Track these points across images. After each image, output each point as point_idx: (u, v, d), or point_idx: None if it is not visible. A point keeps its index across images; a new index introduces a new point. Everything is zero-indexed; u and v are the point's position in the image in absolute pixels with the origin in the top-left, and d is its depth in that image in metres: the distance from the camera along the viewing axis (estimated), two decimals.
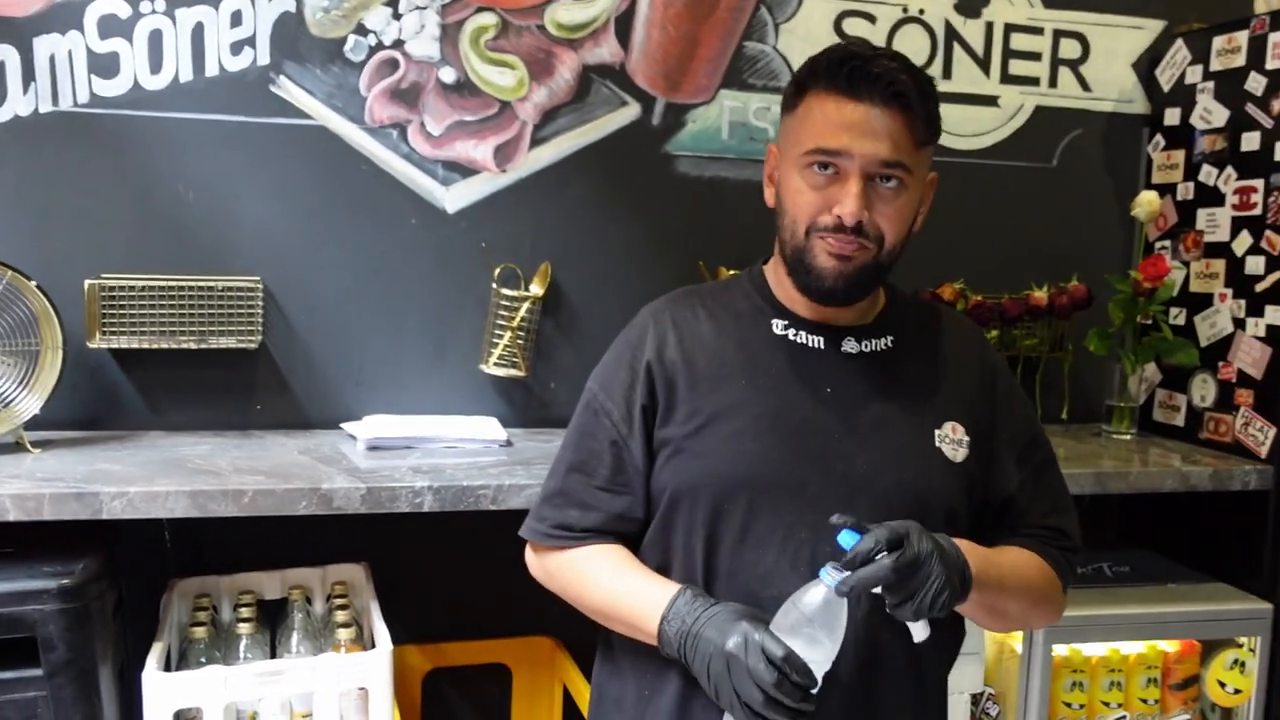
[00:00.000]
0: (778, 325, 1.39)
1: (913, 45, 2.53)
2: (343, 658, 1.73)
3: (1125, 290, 2.42)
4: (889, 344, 1.40)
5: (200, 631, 1.82)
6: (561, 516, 1.40)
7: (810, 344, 1.37)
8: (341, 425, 2.23)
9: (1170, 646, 2.21)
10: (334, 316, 2.27)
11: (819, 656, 1.17)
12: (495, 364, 2.30)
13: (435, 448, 2.10)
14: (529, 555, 1.47)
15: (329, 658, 1.73)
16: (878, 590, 1.17)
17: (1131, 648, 2.18)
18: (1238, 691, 2.22)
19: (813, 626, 1.16)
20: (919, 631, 1.20)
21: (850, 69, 1.26)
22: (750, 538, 1.31)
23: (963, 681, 2.11)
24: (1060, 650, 2.11)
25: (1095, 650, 2.17)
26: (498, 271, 2.32)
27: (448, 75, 2.30)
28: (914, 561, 1.16)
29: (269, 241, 2.23)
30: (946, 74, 2.57)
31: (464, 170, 2.33)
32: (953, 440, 1.36)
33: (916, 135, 1.28)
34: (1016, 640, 2.13)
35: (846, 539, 1.17)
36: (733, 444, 1.32)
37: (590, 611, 1.40)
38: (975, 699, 2.17)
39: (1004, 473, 1.40)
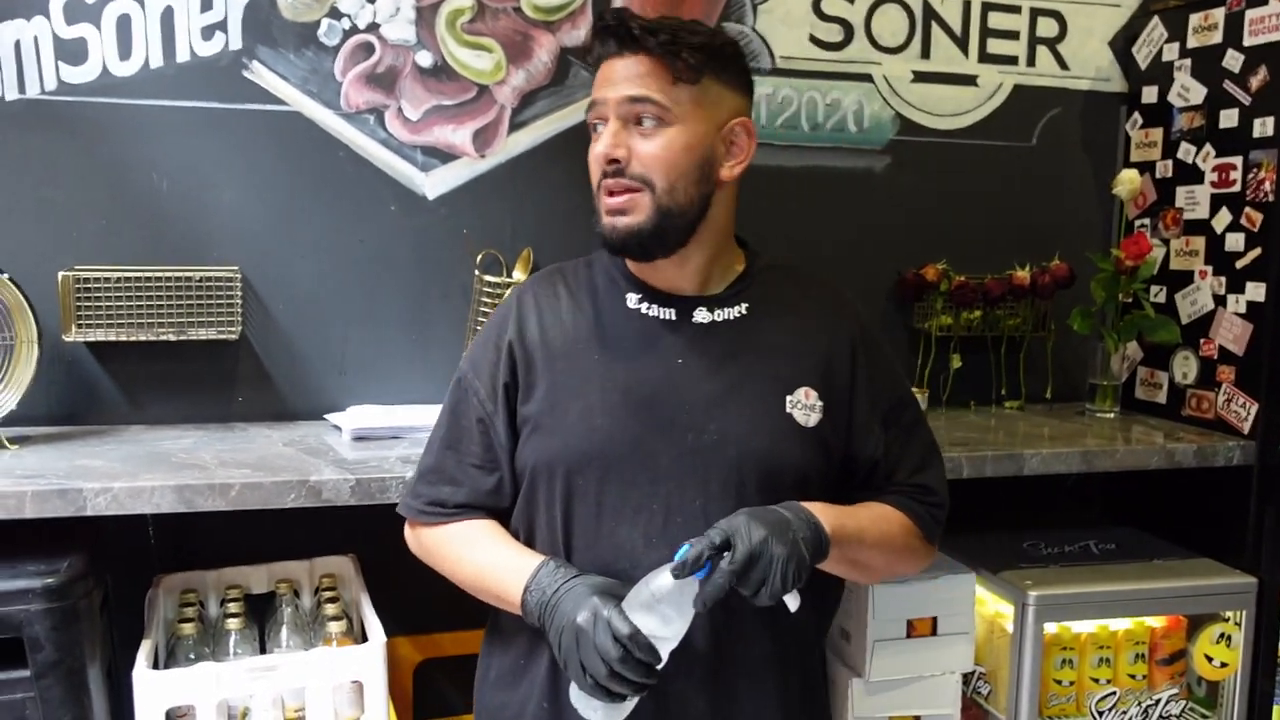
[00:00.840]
0: (631, 299, 1.42)
1: (891, 25, 2.53)
2: (336, 652, 1.70)
3: (1107, 269, 2.43)
4: (743, 312, 1.42)
5: (188, 628, 1.79)
6: (435, 493, 1.44)
7: (662, 316, 1.40)
8: (325, 416, 2.20)
9: (1157, 622, 2.22)
10: (314, 306, 2.24)
11: (668, 634, 1.21)
12: None
13: (421, 437, 2.05)
14: (407, 532, 1.51)
15: (322, 652, 1.70)
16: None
17: (1119, 624, 2.19)
18: (1224, 665, 2.24)
19: (662, 606, 1.19)
20: (791, 602, 1.23)
21: (599, 30, 1.36)
22: (604, 512, 1.34)
23: (953, 661, 2.11)
24: (1050, 628, 2.12)
25: (1084, 627, 2.18)
26: (479, 258, 2.29)
27: (424, 59, 2.27)
28: (749, 557, 1.19)
29: (246, 230, 2.19)
30: (925, 54, 2.57)
31: (443, 155, 2.30)
32: (805, 406, 1.39)
33: (668, 73, 1.31)
34: (1007, 620, 2.13)
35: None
36: (584, 420, 1.36)
37: (462, 584, 1.45)
38: (966, 679, 2.18)
39: (868, 435, 1.44)
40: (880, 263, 2.56)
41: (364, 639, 1.81)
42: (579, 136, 2.33)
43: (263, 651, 1.86)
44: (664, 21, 1.34)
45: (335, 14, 2.21)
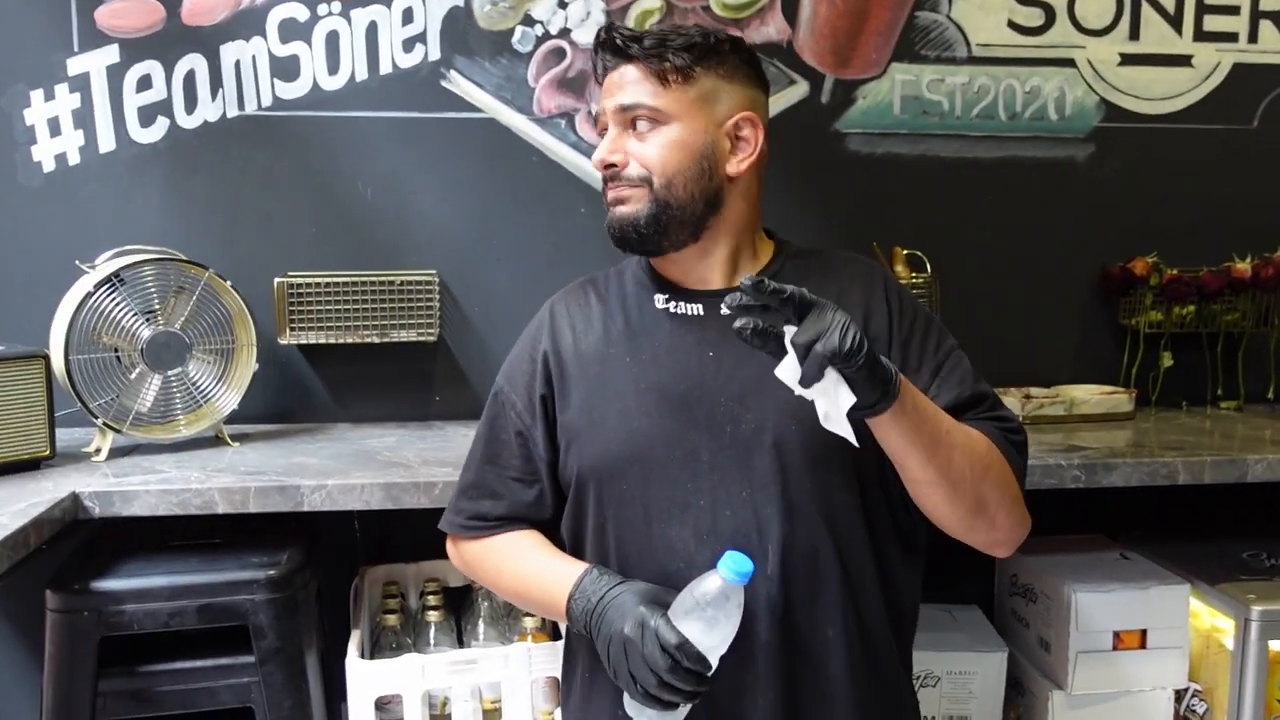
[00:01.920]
0: (659, 300, 1.41)
1: (1096, 6, 2.41)
2: (533, 647, 1.75)
3: None
4: None
5: (392, 619, 1.87)
6: (476, 508, 1.44)
7: (690, 313, 1.39)
8: None
9: None
10: (508, 308, 2.29)
11: (715, 641, 1.19)
12: None
13: None
14: (449, 547, 1.50)
15: (520, 648, 1.75)
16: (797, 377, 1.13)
17: None
18: None
19: (709, 610, 1.18)
20: (844, 398, 1.14)
21: (596, 46, 1.38)
22: (652, 513, 1.32)
23: (1164, 676, 2.01)
24: (1275, 645, 1.98)
25: None
26: None
27: None
28: (814, 301, 1.11)
29: (443, 235, 2.27)
30: (1134, 35, 2.43)
31: None
32: None
33: (656, 77, 1.33)
34: (1226, 635, 2.00)
35: (736, 561, 1.17)
36: (622, 423, 1.34)
37: (506, 595, 1.45)
38: (1179, 695, 2.06)
39: (925, 392, 1.35)
40: (1083, 256, 2.45)
41: (556, 636, 1.85)
42: (768, 134, 2.33)
43: (460, 642, 1.93)
44: (652, 30, 1.36)
45: (529, 21, 2.26)
